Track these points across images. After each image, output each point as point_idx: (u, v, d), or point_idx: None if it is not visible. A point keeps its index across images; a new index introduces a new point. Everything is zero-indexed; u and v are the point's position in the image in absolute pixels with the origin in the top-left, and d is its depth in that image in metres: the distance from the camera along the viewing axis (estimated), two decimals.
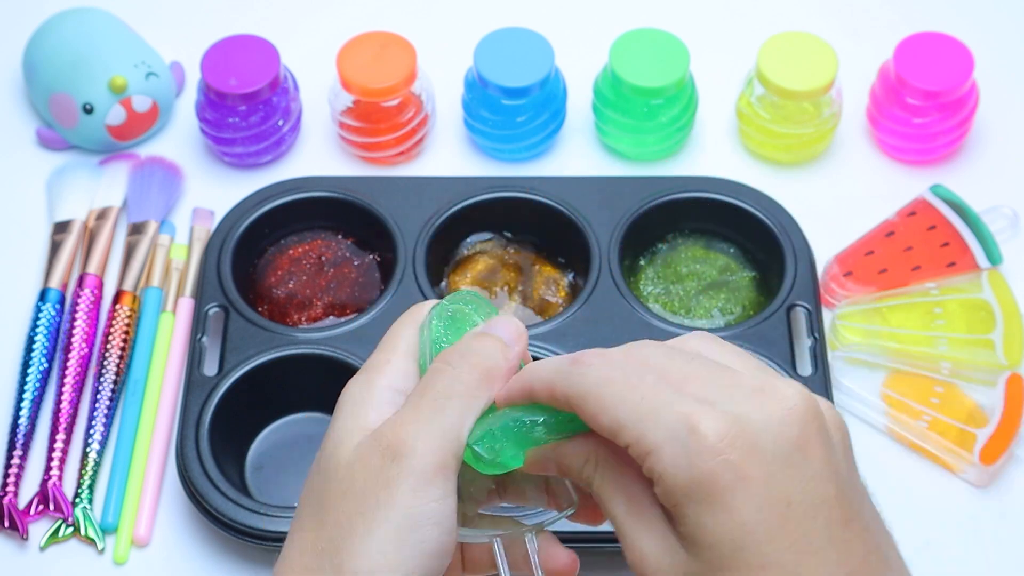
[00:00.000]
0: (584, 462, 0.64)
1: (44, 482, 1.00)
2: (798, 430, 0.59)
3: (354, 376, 0.68)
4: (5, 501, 0.99)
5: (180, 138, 1.17)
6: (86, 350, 1.05)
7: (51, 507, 0.99)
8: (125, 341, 1.05)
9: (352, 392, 0.67)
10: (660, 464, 0.59)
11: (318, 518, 0.63)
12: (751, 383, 0.60)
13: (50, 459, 1.01)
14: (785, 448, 0.58)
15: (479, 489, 0.69)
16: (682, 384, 0.60)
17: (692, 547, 0.59)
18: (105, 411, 1.03)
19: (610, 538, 0.95)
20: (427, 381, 0.65)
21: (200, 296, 1.06)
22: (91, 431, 1.02)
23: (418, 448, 0.62)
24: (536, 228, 1.10)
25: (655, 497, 0.61)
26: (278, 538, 0.94)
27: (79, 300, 1.07)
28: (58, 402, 1.03)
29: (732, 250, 1.10)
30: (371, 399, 0.66)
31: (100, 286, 1.08)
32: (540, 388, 0.63)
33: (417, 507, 0.61)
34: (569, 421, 0.64)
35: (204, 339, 1.03)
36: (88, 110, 1.13)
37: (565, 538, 0.95)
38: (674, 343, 0.64)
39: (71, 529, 0.99)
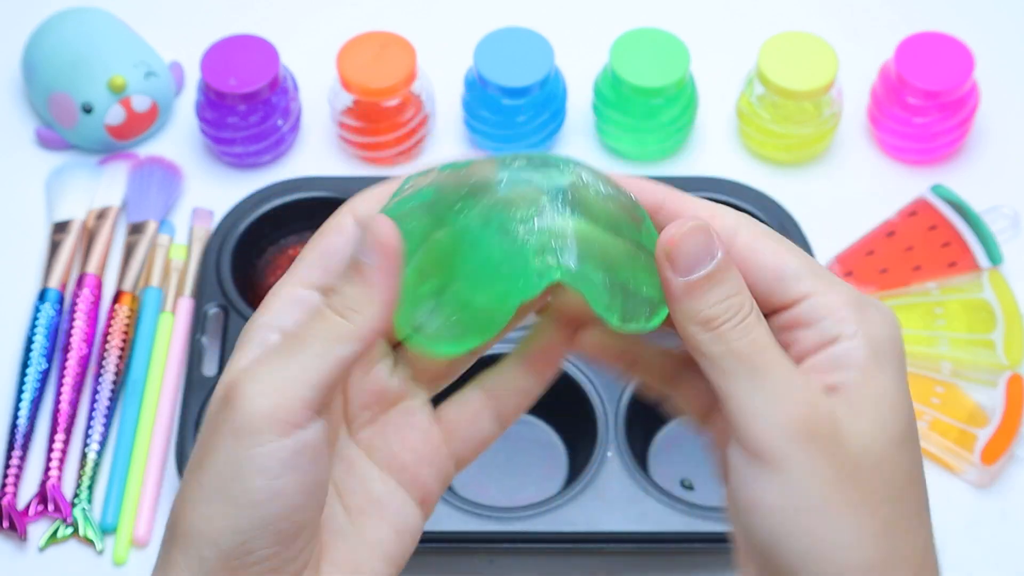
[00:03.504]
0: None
1: (43, 482, 1.00)
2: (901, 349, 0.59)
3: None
4: (4, 502, 0.99)
5: (180, 138, 1.17)
6: (85, 350, 1.05)
7: (50, 507, 0.99)
8: (124, 341, 1.05)
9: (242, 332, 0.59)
10: (845, 321, 0.57)
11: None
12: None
13: (49, 459, 1.01)
14: (901, 363, 0.58)
15: None
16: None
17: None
18: (104, 411, 1.02)
19: (611, 538, 0.96)
20: (301, 318, 0.57)
21: (200, 296, 1.06)
22: (90, 431, 1.02)
23: (247, 393, 0.55)
24: None
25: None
26: None
27: (78, 300, 1.07)
28: (57, 402, 1.03)
29: None
30: (246, 342, 0.58)
31: (99, 286, 1.08)
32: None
33: (239, 456, 0.55)
34: None
35: (204, 339, 1.03)
36: (87, 110, 1.13)
37: (565, 538, 0.95)
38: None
39: (70, 529, 0.99)
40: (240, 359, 0.57)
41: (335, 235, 0.59)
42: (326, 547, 0.59)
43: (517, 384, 0.63)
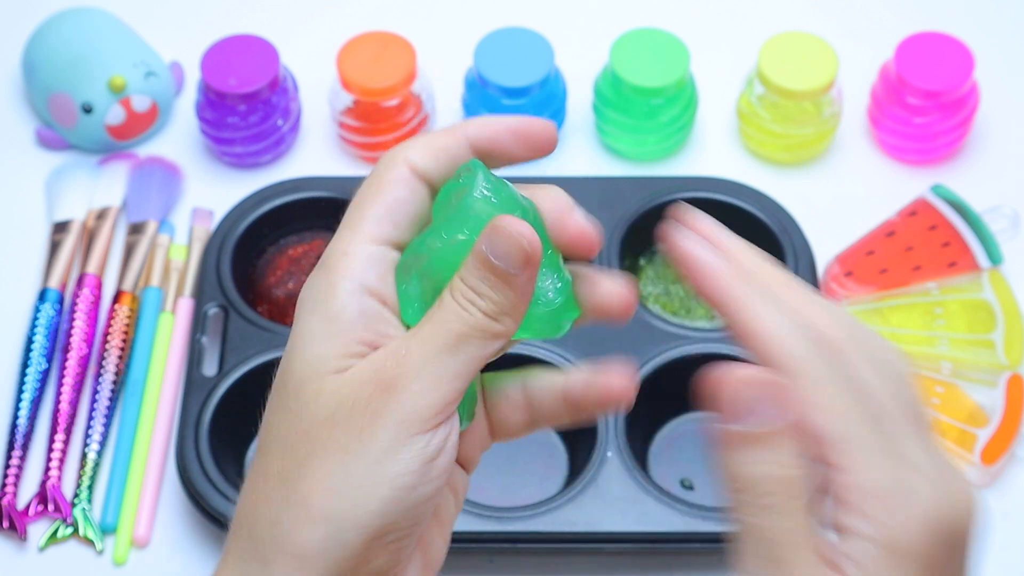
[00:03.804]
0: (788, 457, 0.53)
1: (43, 482, 1.00)
2: (970, 532, 0.54)
3: (312, 273, 0.60)
4: (4, 502, 0.99)
5: (180, 138, 1.17)
6: (85, 350, 1.05)
7: (50, 507, 0.99)
8: (124, 341, 1.05)
9: (312, 299, 0.58)
10: (865, 515, 0.52)
11: (289, 444, 0.57)
12: (939, 461, 0.54)
13: (49, 459, 1.01)
14: (961, 548, 0.54)
15: None
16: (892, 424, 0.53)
17: None
18: (104, 411, 1.02)
19: (611, 538, 0.95)
20: (444, 314, 0.57)
21: (200, 296, 1.06)
22: (90, 431, 1.02)
23: (413, 388, 0.56)
24: None
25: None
26: None
27: (78, 300, 1.07)
28: (57, 402, 1.03)
29: None
30: (338, 312, 0.57)
31: (99, 286, 1.08)
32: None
33: (399, 444, 0.56)
34: None
35: (204, 339, 1.03)
36: (87, 110, 1.13)
37: (565, 538, 0.95)
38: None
39: (70, 529, 0.99)
40: (345, 334, 0.57)
41: (399, 188, 0.59)
42: None
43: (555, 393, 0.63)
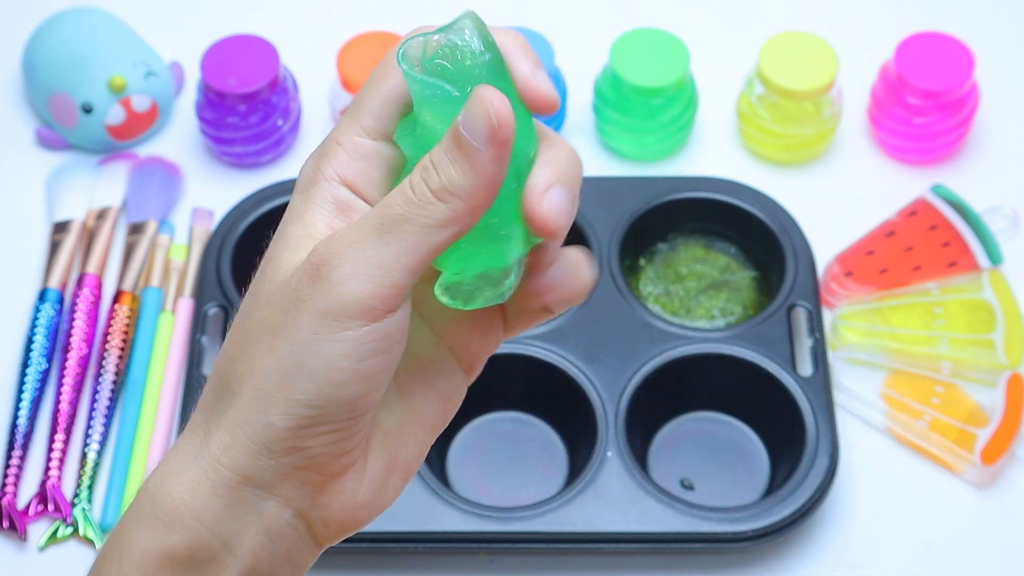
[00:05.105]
0: None
1: (43, 482, 1.00)
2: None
3: (311, 155, 0.58)
4: (4, 502, 0.99)
5: (179, 138, 1.17)
6: (85, 350, 1.05)
7: (50, 507, 0.99)
8: (124, 341, 1.05)
9: (301, 180, 0.57)
10: None
11: (243, 314, 0.56)
12: None
13: (49, 459, 1.01)
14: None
15: None
16: None
17: None
18: (104, 411, 1.02)
19: (610, 538, 0.96)
20: (390, 196, 0.54)
21: (200, 296, 1.06)
22: (90, 431, 1.02)
23: (337, 276, 0.53)
24: None
25: None
26: None
27: (78, 300, 1.07)
28: (57, 402, 1.03)
29: (733, 250, 1.10)
30: (313, 196, 0.56)
31: (99, 286, 1.08)
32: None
33: (326, 338, 0.53)
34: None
35: (204, 339, 1.03)
36: (87, 110, 1.13)
37: (565, 538, 0.95)
38: None
39: (70, 529, 0.99)
40: (314, 214, 0.55)
41: (394, 78, 0.57)
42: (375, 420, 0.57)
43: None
